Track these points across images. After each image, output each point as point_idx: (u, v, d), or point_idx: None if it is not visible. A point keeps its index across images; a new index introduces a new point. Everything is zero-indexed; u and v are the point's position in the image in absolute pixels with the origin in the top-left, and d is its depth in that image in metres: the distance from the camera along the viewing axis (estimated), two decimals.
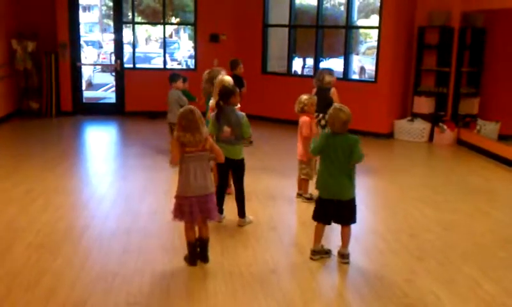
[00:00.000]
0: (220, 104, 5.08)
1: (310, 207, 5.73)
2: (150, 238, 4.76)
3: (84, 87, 12.75)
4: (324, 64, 12.72)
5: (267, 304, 3.71)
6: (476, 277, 4.22)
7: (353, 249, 4.63)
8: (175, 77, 7.87)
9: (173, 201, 4.19)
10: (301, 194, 6.03)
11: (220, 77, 5.92)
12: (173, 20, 20.28)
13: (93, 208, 5.76)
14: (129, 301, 3.70)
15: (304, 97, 5.95)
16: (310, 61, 13.34)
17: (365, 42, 18.85)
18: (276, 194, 6.27)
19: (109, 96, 15.04)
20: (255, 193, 6.01)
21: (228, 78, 5.79)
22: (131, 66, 11.88)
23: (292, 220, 5.65)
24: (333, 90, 6.95)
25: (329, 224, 4.48)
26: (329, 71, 7.28)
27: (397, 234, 5.15)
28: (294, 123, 9.72)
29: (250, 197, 5.84)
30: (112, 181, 6.84)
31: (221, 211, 5.10)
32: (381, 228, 5.36)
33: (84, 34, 22.05)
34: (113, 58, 11.87)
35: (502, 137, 8.96)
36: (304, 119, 5.89)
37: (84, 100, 11.94)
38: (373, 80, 10.09)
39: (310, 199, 5.93)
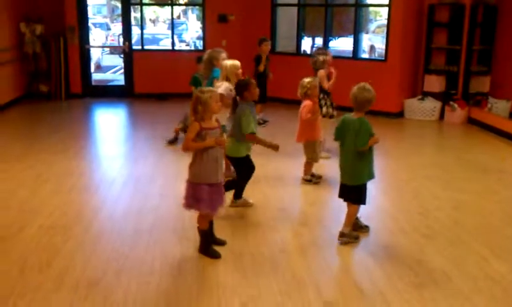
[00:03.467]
0: (236, 100, 5.01)
1: (318, 188, 5.78)
2: (161, 219, 4.79)
3: (92, 69, 12.75)
4: (333, 43, 12.63)
5: (276, 283, 3.73)
6: (486, 256, 4.22)
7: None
8: (198, 59, 7.78)
9: (184, 184, 4.13)
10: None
11: (231, 62, 5.79)
12: (181, 0, 20.14)
13: (104, 190, 5.80)
14: (141, 281, 3.74)
15: (306, 80, 5.90)
16: (319, 41, 13.22)
17: (375, 20, 18.66)
18: (285, 175, 6.27)
19: (118, 78, 15.04)
20: (263, 174, 6.01)
21: (237, 63, 5.66)
22: (139, 47, 11.84)
23: (301, 200, 5.65)
24: (320, 73, 6.80)
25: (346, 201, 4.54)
26: (319, 50, 7.17)
27: (407, 213, 5.15)
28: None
29: (259, 179, 5.84)
30: (122, 163, 6.87)
31: None
32: (391, 207, 5.36)
33: (92, 16, 22.00)
34: (121, 40, 11.84)
35: None
36: (305, 103, 5.88)
37: (93, 83, 11.96)
38: (383, 59, 10.01)
39: (309, 181, 5.94)
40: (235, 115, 4.99)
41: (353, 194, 4.40)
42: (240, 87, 4.95)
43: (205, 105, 3.91)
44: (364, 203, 4.44)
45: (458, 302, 3.54)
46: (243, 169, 5.05)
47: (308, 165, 6.00)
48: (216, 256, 4.10)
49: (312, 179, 5.95)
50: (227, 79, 5.79)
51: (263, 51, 8.65)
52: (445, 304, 3.53)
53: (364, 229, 4.63)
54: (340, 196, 4.52)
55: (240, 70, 5.87)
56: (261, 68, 8.58)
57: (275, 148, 4.97)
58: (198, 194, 3.99)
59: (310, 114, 5.79)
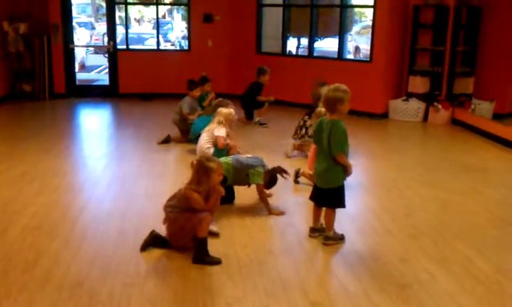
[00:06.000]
0: None
1: (306, 188, 5.77)
2: (146, 220, 4.75)
3: (77, 69, 12.65)
4: (318, 43, 12.65)
5: (262, 284, 3.72)
6: (470, 256, 4.25)
7: (348, 228, 4.67)
8: (191, 85, 7.92)
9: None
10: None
11: (226, 110, 6.26)
12: (166, 0, 20.05)
13: (89, 190, 5.76)
14: (126, 282, 3.71)
15: (323, 110, 5.80)
16: (304, 41, 13.25)
17: (360, 21, 18.72)
18: None
19: (103, 78, 14.94)
20: None
21: (232, 112, 6.29)
22: (124, 47, 11.78)
23: (288, 201, 5.65)
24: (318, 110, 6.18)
25: (320, 206, 4.51)
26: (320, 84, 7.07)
27: (392, 213, 5.17)
28: (288, 104, 9.71)
29: None
30: (107, 163, 6.82)
31: None
32: (376, 207, 5.38)
33: (77, 15, 21.82)
34: (106, 39, 11.77)
35: (497, 116, 9.00)
36: None
37: (77, 82, 11.86)
38: (368, 59, 10.06)
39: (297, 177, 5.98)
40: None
41: (330, 197, 4.35)
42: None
43: (209, 177, 4.03)
44: (344, 206, 4.41)
45: (443, 302, 3.57)
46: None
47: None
48: (216, 261, 4.02)
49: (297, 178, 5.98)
50: (220, 122, 6.25)
51: (263, 81, 8.96)
52: (430, 303, 3.54)
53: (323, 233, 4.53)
54: (312, 198, 4.51)
55: (234, 117, 6.46)
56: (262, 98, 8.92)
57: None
58: (190, 220, 4.02)
59: None
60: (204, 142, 6.20)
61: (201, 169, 4.07)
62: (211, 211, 4.15)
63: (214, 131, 6.21)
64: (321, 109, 5.64)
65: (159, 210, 4.30)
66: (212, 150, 5.96)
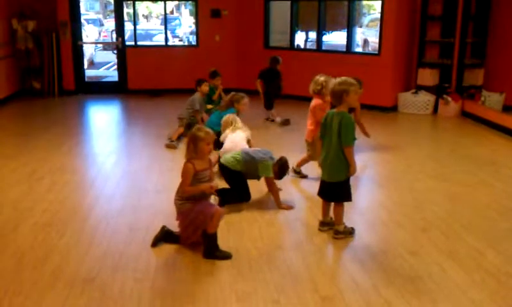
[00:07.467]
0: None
1: (314, 183, 5.77)
2: (156, 216, 4.78)
3: (85, 66, 12.71)
4: (327, 37, 12.61)
5: (272, 279, 3.73)
6: (480, 248, 4.24)
7: (358, 222, 4.67)
8: (199, 82, 7.92)
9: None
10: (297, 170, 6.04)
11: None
12: None
13: (99, 186, 5.79)
14: (137, 277, 3.74)
15: (321, 78, 5.78)
16: (312, 35, 13.21)
17: (369, 14, 18.65)
18: None
19: (111, 74, 15.00)
20: None
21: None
22: (132, 43, 11.81)
23: (297, 195, 5.65)
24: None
25: (329, 201, 4.50)
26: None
27: (402, 206, 5.16)
28: (296, 98, 9.70)
29: None
30: (117, 159, 6.85)
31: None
32: (386, 200, 5.37)
33: (85, 12, 21.89)
34: (114, 36, 11.80)
35: (507, 108, 8.93)
36: (317, 101, 5.77)
37: (86, 79, 11.92)
38: (377, 53, 10.00)
39: (298, 173, 5.97)
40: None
41: (335, 191, 4.36)
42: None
43: (196, 145, 4.02)
44: (350, 200, 4.41)
45: (453, 295, 3.56)
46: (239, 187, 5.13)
47: (305, 160, 5.98)
48: (227, 256, 4.05)
49: (300, 172, 5.97)
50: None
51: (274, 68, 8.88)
52: (440, 296, 3.54)
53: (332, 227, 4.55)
54: (320, 193, 4.51)
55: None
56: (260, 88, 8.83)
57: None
58: (201, 213, 4.02)
59: (323, 114, 5.76)
60: (241, 140, 5.92)
61: (191, 138, 4.09)
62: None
63: (248, 134, 6.08)
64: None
65: (170, 205, 4.33)
66: (247, 146, 5.86)
